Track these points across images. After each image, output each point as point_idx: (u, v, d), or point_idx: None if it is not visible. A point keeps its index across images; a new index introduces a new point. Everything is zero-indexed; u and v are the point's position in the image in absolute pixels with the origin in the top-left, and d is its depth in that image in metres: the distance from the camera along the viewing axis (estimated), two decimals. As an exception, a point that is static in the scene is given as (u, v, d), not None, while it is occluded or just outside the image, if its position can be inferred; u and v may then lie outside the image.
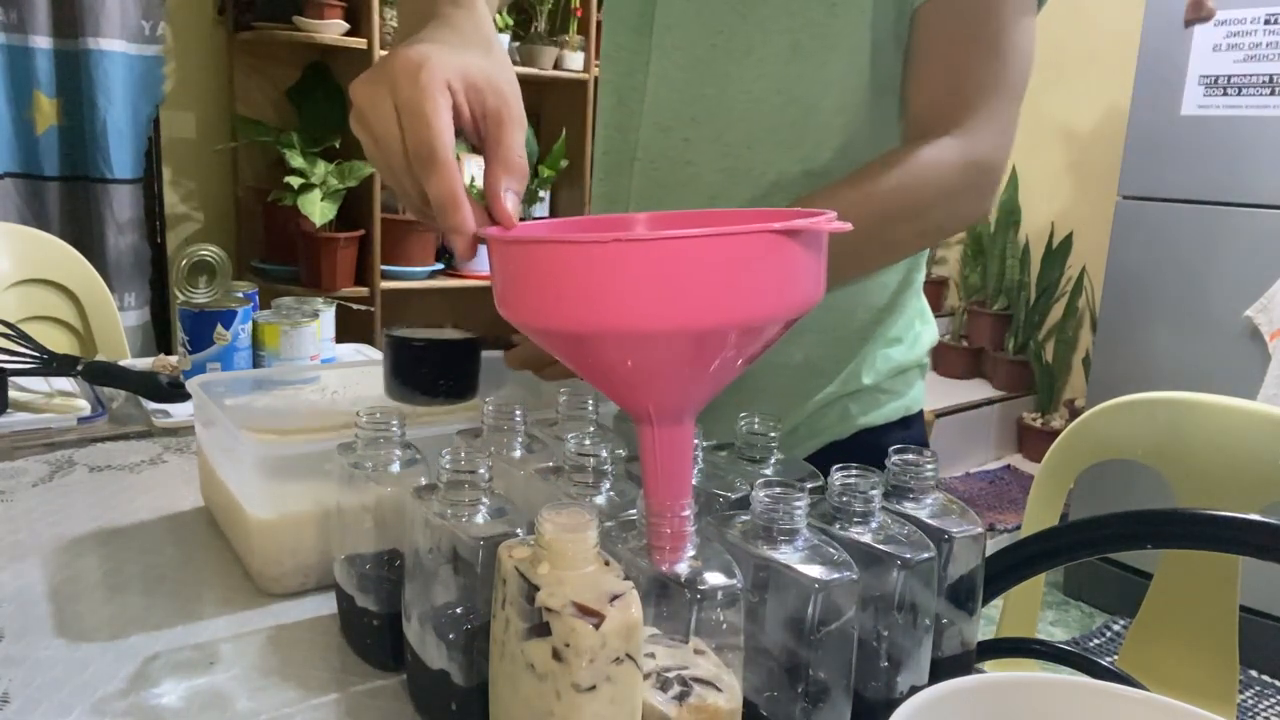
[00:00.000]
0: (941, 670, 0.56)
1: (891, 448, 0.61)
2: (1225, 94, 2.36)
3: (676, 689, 0.48)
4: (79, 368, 1.11)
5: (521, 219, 0.55)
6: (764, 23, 0.78)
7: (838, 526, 0.54)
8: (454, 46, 0.57)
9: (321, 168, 2.49)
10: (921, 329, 0.91)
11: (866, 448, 0.83)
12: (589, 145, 3.01)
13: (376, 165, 0.58)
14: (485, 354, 0.97)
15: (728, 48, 0.79)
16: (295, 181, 2.44)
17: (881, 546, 0.53)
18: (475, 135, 0.58)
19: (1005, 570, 0.86)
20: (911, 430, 0.91)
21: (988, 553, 0.61)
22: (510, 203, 0.54)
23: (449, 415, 0.79)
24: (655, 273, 0.42)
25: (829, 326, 0.84)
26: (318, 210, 2.44)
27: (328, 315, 1.27)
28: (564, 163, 2.93)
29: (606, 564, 0.46)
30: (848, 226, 0.46)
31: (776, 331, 0.47)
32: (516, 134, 0.57)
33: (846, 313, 0.85)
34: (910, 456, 0.60)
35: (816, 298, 0.47)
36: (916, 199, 0.75)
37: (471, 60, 0.56)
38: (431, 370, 0.76)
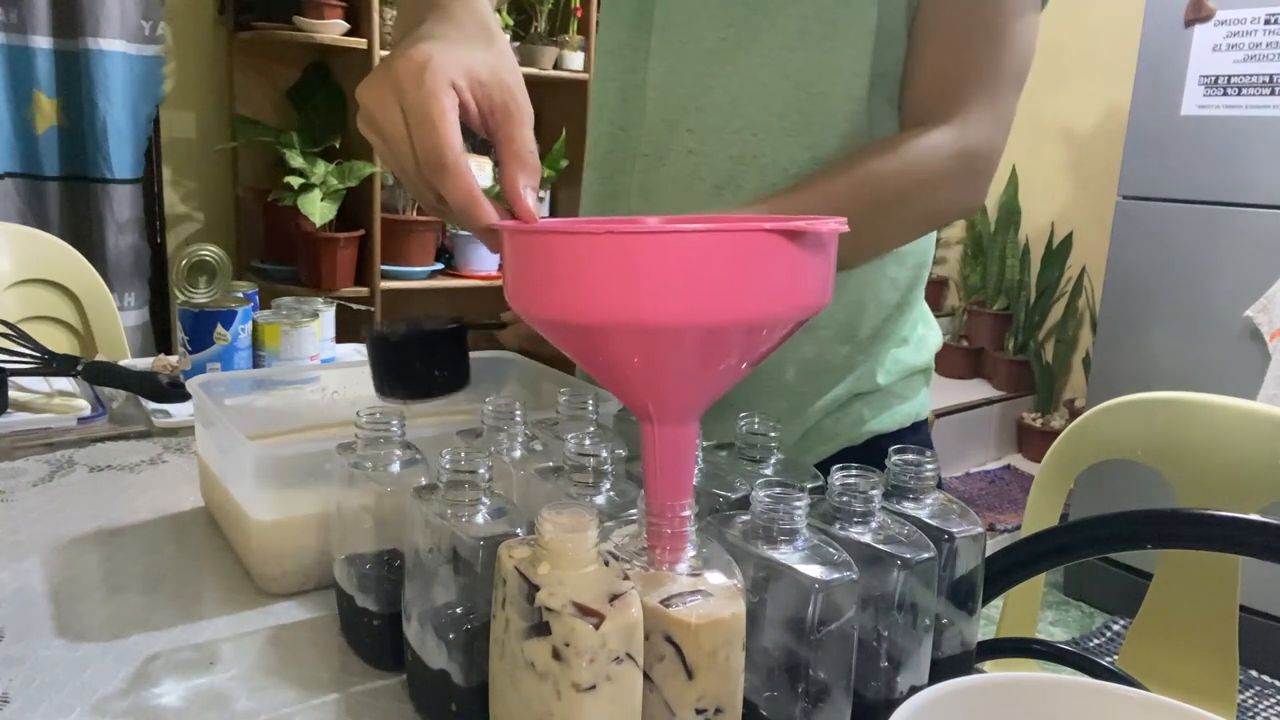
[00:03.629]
0: (941, 670, 0.56)
1: (891, 448, 0.61)
2: (1225, 94, 2.36)
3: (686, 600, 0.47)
4: (79, 368, 1.11)
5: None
6: (773, 11, 0.77)
7: (838, 526, 0.54)
8: (455, 42, 0.57)
9: (321, 168, 2.49)
10: (925, 332, 0.92)
11: (879, 454, 0.83)
12: (589, 145, 3.01)
13: (388, 165, 0.58)
14: (487, 354, 0.97)
15: (737, 39, 0.79)
16: (295, 181, 2.44)
17: (881, 546, 0.53)
18: (483, 129, 0.58)
19: (1005, 570, 0.86)
20: (920, 435, 0.91)
21: (988, 553, 0.61)
22: (530, 200, 0.55)
23: (451, 415, 0.79)
24: (665, 266, 0.42)
25: (842, 323, 0.84)
26: (318, 210, 2.44)
27: (328, 315, 1.27)
28: (564, 163, 2.92)
29: (606, 564, 0.46)
30: (846, 229, 0.46)
31: (783, 334, 0.47)
32: (526, 129, 0.57)
33: (859, 309, 0.85)
34: (910, 456, 0.60)
35: (824, 301, 0.48)
36: (909, 185, 0.75)
37: (474, 55, 0.57)
38: (419, 364, 0.70)
